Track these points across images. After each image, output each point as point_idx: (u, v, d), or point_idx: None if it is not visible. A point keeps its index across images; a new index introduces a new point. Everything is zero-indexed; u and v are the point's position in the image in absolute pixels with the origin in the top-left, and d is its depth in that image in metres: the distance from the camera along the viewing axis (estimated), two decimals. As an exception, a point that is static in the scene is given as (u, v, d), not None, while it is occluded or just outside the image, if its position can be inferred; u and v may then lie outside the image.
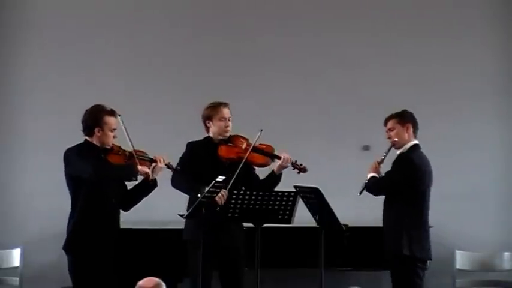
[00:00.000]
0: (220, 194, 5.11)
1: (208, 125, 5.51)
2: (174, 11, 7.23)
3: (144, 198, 5.33)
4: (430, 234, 5.49)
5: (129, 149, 5.17)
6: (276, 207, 5.09)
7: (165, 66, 7.18)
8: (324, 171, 6.29)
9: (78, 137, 5.22)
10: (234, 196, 5.08)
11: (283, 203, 5.09)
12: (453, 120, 7.19)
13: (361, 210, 5.96)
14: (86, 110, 5.21)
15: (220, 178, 4.97)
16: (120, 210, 5.28)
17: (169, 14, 7.24)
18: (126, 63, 7.15)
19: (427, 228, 5.47)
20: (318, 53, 7.22)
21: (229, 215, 5.09)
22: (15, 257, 6.78)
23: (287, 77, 7.21)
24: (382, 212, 5.51)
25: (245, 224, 5.38)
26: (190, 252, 5.31)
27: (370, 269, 6.52)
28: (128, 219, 5.44)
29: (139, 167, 5.15)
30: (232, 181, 5.19)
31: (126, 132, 5.15)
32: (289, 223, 5.13)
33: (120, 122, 5.17)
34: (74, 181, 5.12)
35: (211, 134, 5.52)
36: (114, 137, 5.17)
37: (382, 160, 5.55)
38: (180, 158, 5.49)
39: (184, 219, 5.26)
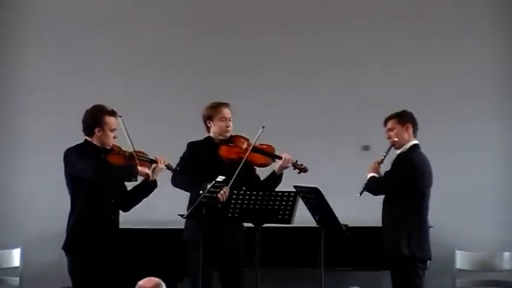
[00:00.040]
0: (222, 191, 5.11)
1: (209, 125, 5.51)
2: (174, 11, 7.23)
3: (144, 199, 5.34)
4: (429, 234, 5.49)
5: (129, 149, 5.17)
6: (276, 207, 5.09)
7: (165, 66, 7.18)
8: (324, 171, 6.28)
9: (78, 137, 5.22)
10: (234, 196, 5.08)
11: (283, 203, 5.09)
12: (453, 120, 7.19)
13: (361, 210, 5.96)
14: (87, 110, 5.21)
15: (220, 178, 4.97)
16: (120, 210, 5.28)
17: (169, 14, 7.24)
18: (126, 63, 7.15)
19: (427, 228, 5.47)
20: (318, 53, 7.22)
21: (229, 215, 5.09)
22: (15, 257, 6.78)
23: (287, 77, 7.21)
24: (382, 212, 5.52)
25: (245, 224, 5.38)
26: (190, 252, 5.31)
27: (370, 269, 6.52)
28: (128, 219, 5.45)
29: (140, 168, 5.15)
30: (232, 180, 5.19)
31: (127, 133, 5.15)
32: (289, 223, 5.13)
33: (121, 123, 5.17)
34: (73, 181, 5.11)
35: (211, 134, 5.52)
36: (114, 137, 5.17)
37: (382, 160, 5.56)
38: (181, 157, 5.49)
39: (184, 219, 5.27)
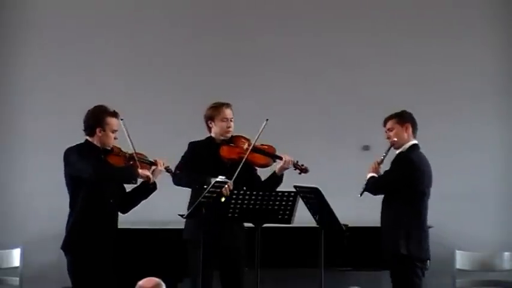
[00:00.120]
0: (225, 186, 5.10)
1: (210, 125, 5.52)
2: (174, 11, 7.23)
3: (143, 200, 5.34)
4: (428, 234, 5.49)
5: (130, 151, 5.17)
6: (276, 207, 5.09)
7: (165, 66, 7.18)
8: (324, 171, 6.27)
9: (78, 137, 5.23)
10: (234, 196, 5.08)
11: (283, 203, 5.09)
12: (453, 120, 7.19)
13: (361, 210, 5.96)
14: (89, 110, 5.22)
15: (220, 178, 4.98)
16: (118, 212, 5.29)
17: (169, 14, 7.24)
18: (126, 63, 7.15)
19: (426, 228, 5.47)
20: (318, 53, 7.22)
21: (230, 214, 5.09)
22: (15, 257, 6.78)
23: (287, 77, 7.21)
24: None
25: (245, 224, 5.38)
26: (190, 252, 5.31)
27: (370, 269, 6.52)
28: (128, 219, 5.44)
29: (140, 170, 5.15)
30: (232, 180, 5.19)
31: (128, 135, 5.15)
32: (289, 223, 5.13)
33: (122, 125, 5.17)
34: (73, 181, 5.12)
35: (213, 134, 5.52)
36: (115, 138, 5.17)
37: (382, 160, 5.56)
38: (182, 156, 5.49)
39: (184, 219, 5.27)
